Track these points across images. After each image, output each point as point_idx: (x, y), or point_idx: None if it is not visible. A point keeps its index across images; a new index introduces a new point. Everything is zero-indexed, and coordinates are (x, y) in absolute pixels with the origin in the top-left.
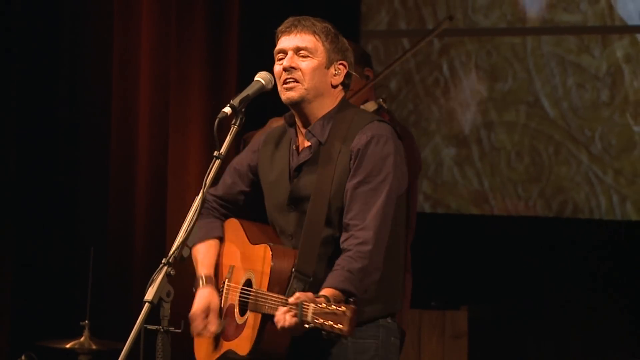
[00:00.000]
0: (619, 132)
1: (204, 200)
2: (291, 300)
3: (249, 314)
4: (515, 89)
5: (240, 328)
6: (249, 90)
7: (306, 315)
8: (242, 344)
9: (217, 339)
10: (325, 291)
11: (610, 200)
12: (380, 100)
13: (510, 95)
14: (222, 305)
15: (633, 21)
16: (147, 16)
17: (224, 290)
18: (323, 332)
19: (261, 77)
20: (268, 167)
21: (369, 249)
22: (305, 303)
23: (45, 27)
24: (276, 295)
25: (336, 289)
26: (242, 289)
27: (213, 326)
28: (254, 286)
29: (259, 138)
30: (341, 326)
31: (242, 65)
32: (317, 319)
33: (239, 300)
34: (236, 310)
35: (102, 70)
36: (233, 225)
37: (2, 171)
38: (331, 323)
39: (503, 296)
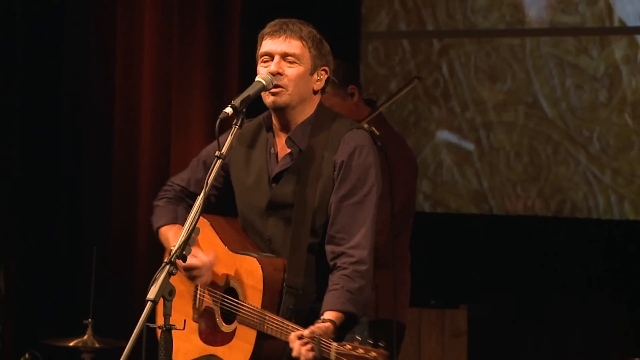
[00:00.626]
0: (617, 133)
1: (205, 200)
2: (306, 333)
3: (237, 325)
4: (514, 90)
5: (227, 337)
6: (250, 91)
7: (327, 353)
8: (234, 355)
9: (195, 338)
10: (330, 314)
11: (608, 200)
12: (373, 128)
13: (509, 96)
14: (196, 306)
15: (631, 22)
16: (150, 18)
17: (199, 292)
18: None
19: (262, 77)
20: (242, 167)
21: (365, 268)
22: (323, 340)
23: (48, 28)
24: (281, 320)
25: (340, 311)
26: (223, 296)
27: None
28: (241, 298)
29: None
30: None
31: (244, 67)
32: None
33: (221, 308)
34: (218, 316)
35: (105, 72)
36: (200, 222)
37: (6, 171)
38: None
39: (502, 295)
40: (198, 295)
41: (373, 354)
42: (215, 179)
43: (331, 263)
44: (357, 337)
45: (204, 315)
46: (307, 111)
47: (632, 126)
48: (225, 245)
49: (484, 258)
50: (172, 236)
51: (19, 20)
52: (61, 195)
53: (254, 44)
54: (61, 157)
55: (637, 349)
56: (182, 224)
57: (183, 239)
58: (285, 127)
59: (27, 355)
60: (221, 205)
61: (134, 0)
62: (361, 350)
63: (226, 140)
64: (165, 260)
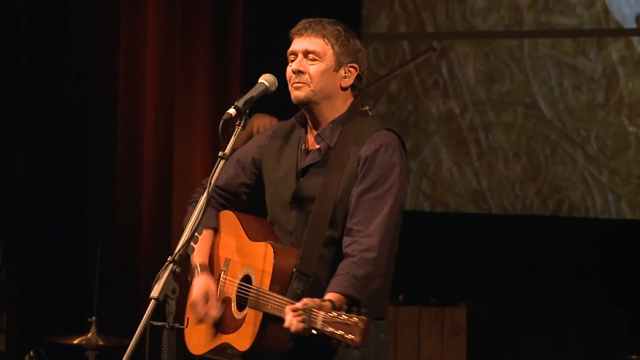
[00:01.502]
0: (614, 133)
1: (208, 200)
2: (299, 305)
3: (248, 310)
4: (513, 91)
5: (238, 323)
6: (253, 92)
7: (315, 322)
8: (241, 340)
9: (212, 329)
10: (331, 295)
11: (606, 200)
12: (367, 108)
13: (508, 97)
14: (217, 298)
15: (628, 24)
16: (153, 19)
17: (220, 283)
18: (333, 340)
19: (265, 79)
20: (274, 163)
21: (374, 256)
22: (314, 310)
23: (52, 30)
24: (281, 297)
25: (341, 294)
26: (239, 284)
27: (214, 311)
28: (253, 283)
29: (265, 133)
30: (352, 337)
31: (246, 68)
32: (327, 327)
33: (237, 295)
34: (233, 304)
35: (108, 73)
36: (228, 217)
37: (11, 171)
38: (342, 333)
39: (501, 293)
40: (219, 287)
41: (354, 319)
42: (248, 177)
43: (343, 252)
44: (351, 308)
45: (222, 306)
46: (336, 108)
47: (629, 127)
48: (247, 235)
49: (483, 257)
50: (196, 248)
51: (23, 21)
52: (65, 194)
53: (256, 46)
54: (65, 156)
55: (634, 346)
56: (206, 228)
57: (186, 238)
58: (315, 123)
59: (31, 353)
60: (252, 204)
61: (137, 1)
62: (345, 317)
63: (231, 140)
64: (168, 259)
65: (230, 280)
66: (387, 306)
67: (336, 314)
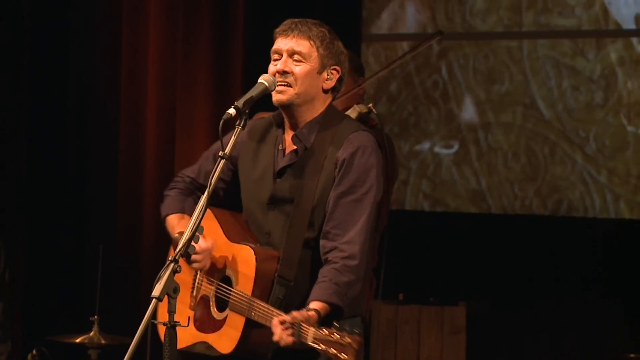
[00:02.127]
0: (612, 133)
1: (209, 199)
2: (287, 318)
3: (229, 312)
4: (512, 91)
5: (218, 324)
6: (253, 92)
7: (305, 338)
8: (222, 342)
9: (191, 326)
10: (315, 304)
11: (604, 199)
12: (370, 105)
13: (507, 97)
14: (194, 294)
15: (627, 25)
16: (155, 20)
17: (197, 280)
18: (327, 358)
19: (264, 79)
20: (250, 162)
21: (356, 263)
22: (303, 325)
23: (55, 31)
24: (267, 306)
25: (325, 302)
26: (218, 284)
27: (208, 261)
28: (234, 286)
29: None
30: (346, 357)
31: (247, 68)
32: (319, 344)
33: (216, 296)
34: (212, 304)
35: (110, 73)
36: (205, 214)
37: (14, 171)
38: (335, 352)
39: (500, 292)
40: (196, 284)
41: (348, 339)
42: (224, 173)
43: (323, 257)
44: (335, 323)
45: (200, 304)
46: (316, 109)
47: (627, 127)
48: (226, 235)
49: (483, 256)
50: (177, 224)
51: (26, 23)
52: (68, 194)
53: (257, 46)
54: (68, 156)
55: (633, 345)
56: (189, 214)
57: (187, 237)
58: (294, 124)
59: (34, 352)
60: (228, 200)
61: (139, 2)
62: (337, 336)
63: (230, 140)
64: (169, 259)
65: (207, 279)
66: (363, 304)
67: (327, 332)
